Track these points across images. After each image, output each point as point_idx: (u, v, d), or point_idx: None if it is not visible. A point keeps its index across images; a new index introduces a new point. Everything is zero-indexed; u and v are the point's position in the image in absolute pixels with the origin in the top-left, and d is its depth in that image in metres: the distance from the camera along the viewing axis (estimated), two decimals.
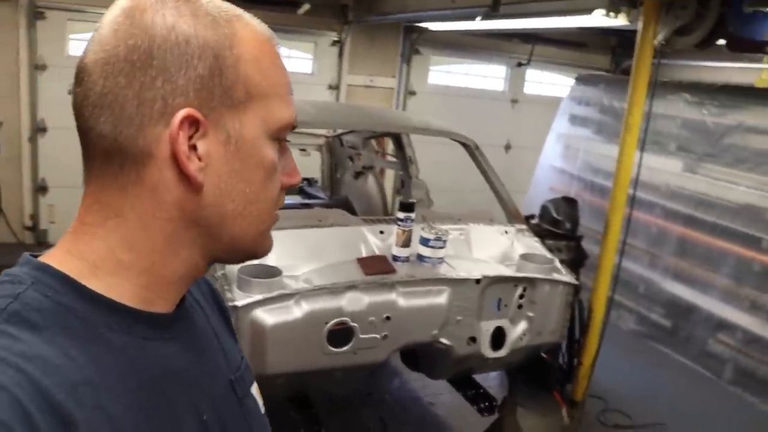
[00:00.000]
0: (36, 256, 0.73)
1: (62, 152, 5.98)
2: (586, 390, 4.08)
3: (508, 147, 7.96)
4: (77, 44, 6.04)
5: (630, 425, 3.99)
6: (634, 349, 5.17)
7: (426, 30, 6.84)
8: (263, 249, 0.81)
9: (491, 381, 4.14)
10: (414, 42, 7.25)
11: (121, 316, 0.71)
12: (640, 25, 3.72)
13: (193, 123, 0.69)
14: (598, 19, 3.95)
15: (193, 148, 0.69)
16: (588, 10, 3.98)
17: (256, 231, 0.77)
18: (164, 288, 0.75)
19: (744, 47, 3.74)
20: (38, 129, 6.02)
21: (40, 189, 6.17)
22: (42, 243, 6.19)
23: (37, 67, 5.88)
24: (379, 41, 7.08)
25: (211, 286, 0.99)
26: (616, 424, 4.01)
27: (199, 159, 0.70)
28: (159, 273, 0.73)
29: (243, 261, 0.83)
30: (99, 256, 0.71)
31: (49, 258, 0.72)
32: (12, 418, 0.55)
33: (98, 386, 0.64)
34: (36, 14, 5.76)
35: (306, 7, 5.44)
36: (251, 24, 0.75)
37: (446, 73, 7.78)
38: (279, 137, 0.76)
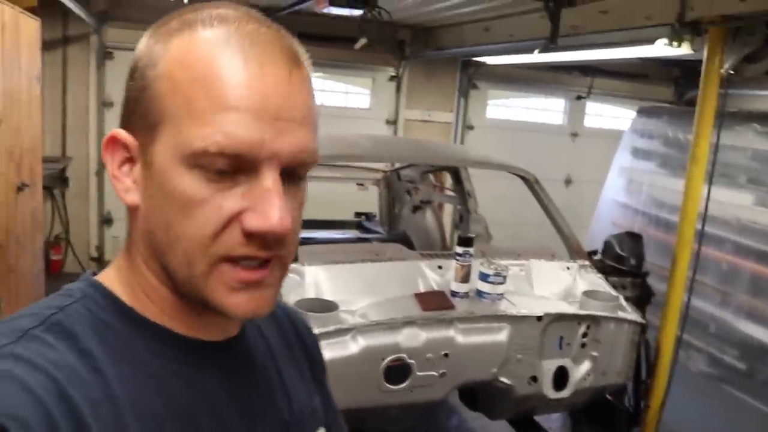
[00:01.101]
0: (96, 274, 0.75)
1: None
2: None
3: (568, 181, 7.82)
4: None
5: None
6: (706, 392, 4.92)
7: (483, 64, 6.83)
8: (218, 304, 0.66)
9: (552, 423, 3.99)
10: (471, 76, 7.24)
11: (159, 339, 0.71)
12: (705, 54, 3.60)
13: (123, 145, 0.69)
14: (661, 48, 3.85)
15: (131, 168, 0.69)
16: (650, 41, 3.89)
17: (188, 274, 0.66)
18: (187, 313, 0.72)
19: None
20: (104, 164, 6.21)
21: (106, 221, 6.37)
22: None
23: (105, 104, 6.13)
24: (437, 76, 7.10)
25: (298, 327, 0.95)
26: None
27: (134, 181, 0.69)
28: (166, 296, 0.72)
29: (205, 306, 0.68)
30: (131, 275, 0.73)
31: (102, 275, 0.75)
32: (33, 417, 0.56)
33: (122, 405, 0.63)
34: (105, 54, 6.00)
35: (363, 41, 5.48)
36: (198, 32, 0.66)
37: (504, 107, 7.72)
38: (204, 165, 0.63)
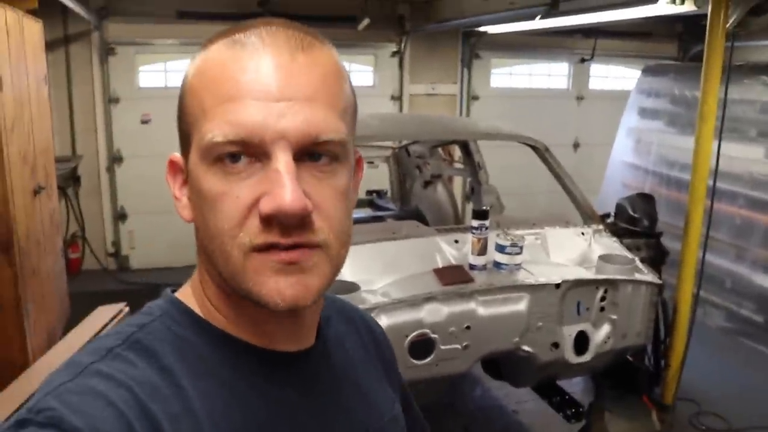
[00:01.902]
0: (175, 290, 0.79)
1: (138, 180, 6.25)
2: (676, 393, 3.92)
3: (576, 145, 7.80)
4: (146, 76, 6.28)
5: (727, 429, 3.82)
6: (725, 347, 4.96)
7: (485, 33, 6.79)
8: (257, 294, 0.67)
9: (575, 387, 4.04)
10: (473, 46, 7.20)
11: (236, 352, 0.73)
12: (709, 10, 3.57)
13: (179, 167, 0.75)
14: (664, 7, 3.83)
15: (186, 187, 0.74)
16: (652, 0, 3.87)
17: (227, 270, 0.68)
18: (252, 321, 0.74)
19: None
20: (115, 159, 6.28)
21: (120, 216, 6.43)
22: (124, 268, 6.45)
23: (111, 101, 6.15)
24: (439, 48, 7.07)
25: (375, 332, 0.97)
26: (711, 428, 3.84)
27: (190, 199, 0.73)
28: (229, 305, 0.74)
29: (255, 305, 0.68)
30: (201, 288, 0.76)
31: (180, 292, 0.78)
32: (117, 431, 0.59)
33: (201, 419, 0.66)
34: (108, 50, 6.01)
35: (366, 21, 5.47)
36: (213, 44, 0.69)
37: (508, 75, 7.69)
38: (220, 159, 0.65)
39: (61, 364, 0.67)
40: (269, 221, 0.64)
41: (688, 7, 3.72)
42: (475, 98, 7.42)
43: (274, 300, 0.66)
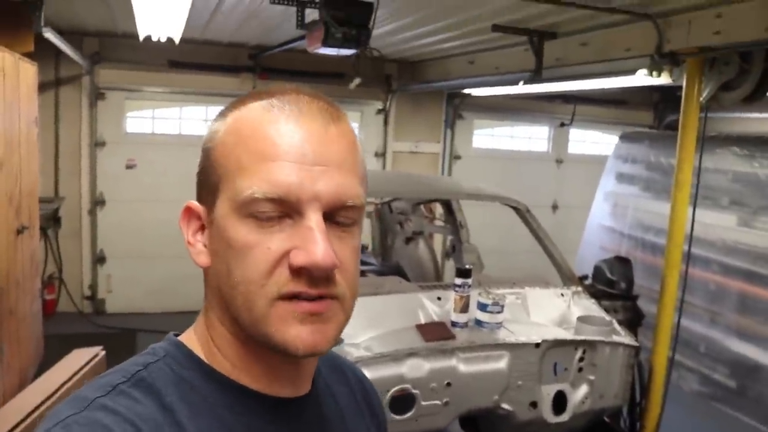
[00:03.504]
0: (178, 334, 0.82)
1: (119, 224, 6.25)
2: None
3: (555, 207, 7.95)
4: (133, 121, 6.34)
5: None
6: (699, 411, 5.00)
7: (469, 95, 6.98)
8: (279, 339, 0.71)
9: None
10: (457, 107, 7.39)
11: (237, 396, 0.76)
12: (684, 84, 3.74)
13: (195, 214, 0.78)
14: (641, 79, 3.99)
15: (202, 234, 0.77)
16: (630, 71, 4.03)
17: (249, 316, 0.71)
18: (258, 368, 0.77)
19: None
20: (97, 202, 6.28)
21: (99, 260, 6.39)
22: (100, 312, 6.38)
23: (97, 144, 6.20)
24: (423, 108, 7.24)
25: (364, 384, 1.00)
26: None
27: (205, 245, 0.77)
28: (238, 350, 0.77)
29: (271, 351, 0.73)
30: (206, 332, 0.80)
31: (184, 335, 0.81)
32: None
33: None
34: (97, 95, 6.09)
35: (357, 81, 5.61)
36: (248, 105, 0.75)
37: (490, 136, 7.87)
38: (254, 213, 0.70)
39: (67, 398, 0.70)
40: (299, 273, 0.69)
41: (664, 80, 3.87)
42: (458, 158, 7.56)
43: (295, 346, 0.70)
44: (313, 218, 0.69)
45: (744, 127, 6.64)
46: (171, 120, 6.47)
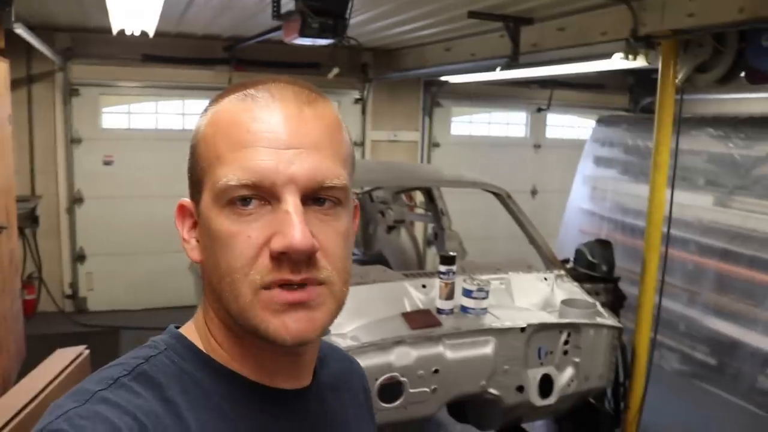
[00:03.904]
0: (178, 327, 0.83)
1: (98, 221, 6.18)
2: None
3: (534, 192, 8.00)
4: (109, 117, 6.27)
5: None
6: (681, 390, 5.08)
7: (446, 83, 6.98)
8: (264, 329, 0.70)
9: (537, 429, 4.09)
10: (434, 95, 7.39)
11: (237, 388, 0.76)
12: (659, 66, 3.78)
13: (188, 212, 0.79)
14: (617, 62, 4.02)
15: (195, 230, 0.78)
16: (606, 55, 4.06)
17: (236, 306, 0.71)
18: (254, 359, 0.77)
19: (765, 79, 3.79)
20: (75, 200, 6.20)
21: (79, 258, 6.32)
22: (82, 310, 6.32)
23: (73, 141, 6.11)
24: (400, 96, 7.23)
25: (362, 375, 1.02)
26: None
27: (197, 240, 0.78)
28: (233, 342, 0.77)
29: (262, 341, 0.73)
30: (204, 325, 0.80)
31: (184, 328, 0.82)
32: None
33: None
34: (71, 91, 6.00)
35: (335, 71, 5.59)
36: (225, 99, 0.76)
37: (468, 123, 7.88)
38: (232, 201, 0.70)
39: (68, 391, 0.71)
40: (279, 259, 0.69)
41: (640, 63, 3.91)
42: (436, 145, 7.57)
43: (282, 336, 0.70)
44: (290, 201, 0.69)
45: (717, 108, 6.72)
46: (147, 114, 6.39)
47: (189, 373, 0.75)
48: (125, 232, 6.28)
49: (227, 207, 0.71)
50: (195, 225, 0.78)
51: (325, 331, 0.75)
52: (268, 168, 0.69)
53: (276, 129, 0.70)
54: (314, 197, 0.72)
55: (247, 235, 0.70)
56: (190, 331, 0.81)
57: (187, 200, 0.79)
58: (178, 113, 6.48)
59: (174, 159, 6.23)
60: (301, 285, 0.70)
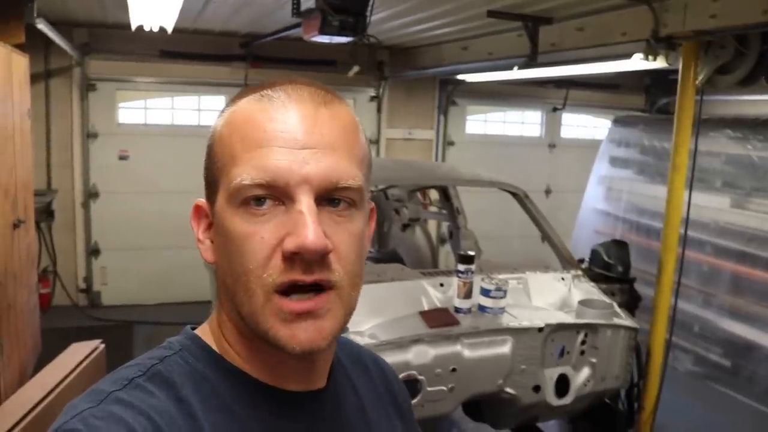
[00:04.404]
0: (194, 328, 0.83)
1: (113, 216, 6.22)
2: None
3: (548, 191, 7.97)
4: (125, 112, 6.30)
5: None
6: (694, 391, 5.06)
7: (462, 81, 6.97)
8: (273, 337, 0.70)
9: (550, 429, 4.09)
10: (450, 94, 7.38)
11: (249, 389, 0.76)
12: (680, 68, 3.76)
13: (203, 212, 0.79)
14: (637, 63, 4.00)
15: (210, 231, 0.78)
16: (627, 56, 4.04)
17: (249, 309, 0.71)
18: (267, 361, 0.77)
19: None
20: (90, 194, 6.24)
21: (93, 252, 6.36)
22: (95, 305, 6.36)
23: (89, 136, 6.15)
24: (416, 94, 7.22)
25: (388, 376, 0.99)
26: None
27: (212, 241, 0.77)
28: (246, 345, 0.77)
29: (268, 342, 0.72)
30: (218, 327, 0.80)
31: (200, 329, 0.82)
32: None
33: None
34: (88, 86, 6.03)
35: (356, 69, 5.58)
36: (242, 99, 0.75)
37: (483, 122, 7.87)
38: (246, 201, 0.70)
39: (84, 392, 0.71)
40: (292, 259, 0.68)
41: (660, 64, 3.89)
42: (451, 144, 7.57)
43: (290, 344, 0.70)
44: (304, 201, 0.69)
45: (736, 110, 6.67)
46: (163, 110, 6.42)
47: (202, 374, 0.75)
48: (140, 227, 6.32)
49: (241, 207, 0.70)
50: (210, 226, 0.78)
51: (335, 338, 0.75)
52: (282, 167, 0.69)
53: (291, 129, 0.70)
54: (329, 198, 0.71)
55: (261, 236, 0.69)
56: (204, 332, 0.81)
57: (202, 201, 0.79)
58: (194, 109, 6.50)
59: (189, 155, 6.34)
60: (313, 287, 0.70)
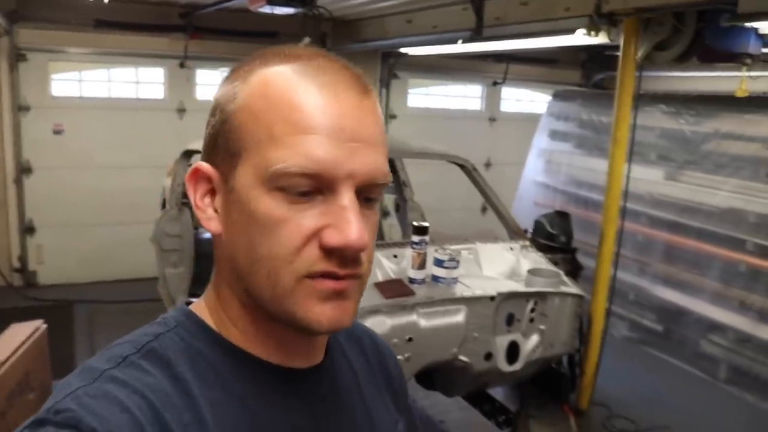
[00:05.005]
0: (189, 303, 0.80)
1: (48, 192, 6.01)
2: (591, 399, 4.19)
3: (488, 164, 8.10)
4: (59, 84, 6.06)
5: (635, 430, 4.09)
6: (630, 355, 5.30)
7: (404, 54, 6.97)
8: (303, 316, 0.70)
9: (497, 394, 4.22)
10: (392, 66, 7.38)
11: (248, 366, 0.75)
12: (621, 43, 3.87)
13: (204, 176, 0.74)
14: (580, 38, 4.10)
15: (212, 199, 0.74)
16: (570, 31, 4.13)
17: (272, 293, 0.70)
18: (269, 338, 0.75)
19: (718, 58, 3.92)
20: (23, 170, 6.00)
21: (28, 230, 6.13)
22: (31, 284, 6.16)
23: (21, 109, 5.88)
24: (358, 67, 7.17)
25: (383, 352, 0.98)
26: (621, 429, 4.10)
27: (216, 210, 0.74)
28: (249, 321, 0.75)
29: (290, 326, 0.72)
30: (217, 302, 0.78)
31: (195, 305, 0.80)
32: None
33: (210, 428, 0.68)
34: (18, 56, 5.76)
35: (306, 40, 5.50)
36: (274, 68, 0.71)
37: (425, 95, 7.92)
38: (285, 187, 0.68)
39: (76, 369, 0.69)
40: (330, 252, 0.68)
41: (602, 39, 3.99)
42: (393, 117, 7.59)
43: (320, 322, 0.69)
44: (347, 196, 0.68)
45: (668, 85, 6.91)
46: (99, 82, 6.20)
47: (199, 350, 0.73)
48: (77, 203, 6.12)
49: (277, 191, 0.68)
50: (211, 192, 0.75)
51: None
52: (330, 160, 0.67)
53: (340, 119, 0.68)
54: (361, 193, 0.70)
55: (298, 224, 0.68)
56: (200, 308, 0.79)
57: (205, 164, 0.74)
58: (132, 81, 6.30)
59: (127, 129, 6.20)
60: (344, 278, 0.70)
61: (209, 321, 0.77)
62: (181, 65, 6.23)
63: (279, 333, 0.74)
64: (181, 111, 6.40)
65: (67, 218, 6.16)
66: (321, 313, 0.69)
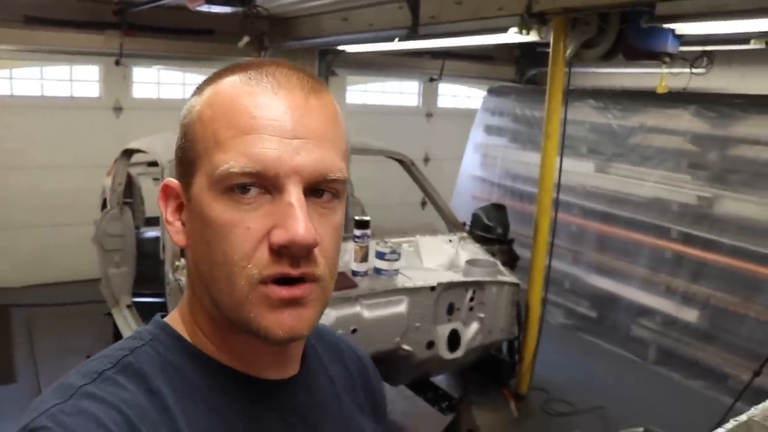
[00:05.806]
0: (164, 315, 0.81)
1: None
2: (530, 383, 4.36)
3: (426, 159, 8.25)
4: None
5: (572, 411, 4.28)
6: (566, 341, 5.51)
7: (342, 52, 7.03)
8: (257, 325, 0.69)
9: (440, 382, 4.34)
10: (330, 64, 7.42)
11: (223, 378, 0.75)
12: (551, 41, 4.04)
13: (174, 192, 0.76)
14: (512, 36, 4.24)
15: (180, 213, 0.75)
16: (502, 29, 4.27)
17: (230, 300, 0.69)
18: (241, 350, 0.75)
19: (640, 57, 4.13)
20: None
21: None
22: None
23: None
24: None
25: (363, 362, 0.98)
26: (559, 412, 4.28)
27: (183, 223, 0.75)
28: (219, 332, 0.75)
29: (250, 335, 0.71)
30: (190, 313, 0.79)
31: (169, 317, 0.80)
32: None
33: None
34: None
35: (246, 39, 5.50)
36: (225, 79, 0.72)
37: (363, 92, 8.00)
38: (231, 189, 0.67)
39: (51, 386, 0.69)
40: (279, 253, 0.67)
41: (533, 37, 4.14)
42: None
43: (275, 331, 0.68)
44: (293, 193, 0.67)
45: (595, 81, 7.18)
46: (32, 80, 6.04)
47: (174, 364, 0.73)
48: (10, 204, 5.95)
49: (225, 194, 0.68)
50: (180, 207, 0.75)
51: (315, 326, 0.74)
52: (272, 157, 0.66)
53: (282, 117, 0.68)
54: (313, 189, 0.70)
55: (246, 226, 0.67)
56: (175, 320, 0.79)
57: (173, 180, 0.76)
58: (66, 80, 6.17)
59: (62, 128, 6.06)
60: (299, 279, 0.69)
61: (183, 333, 0.77)
62: (117, 63, 6.12)
63: (247, 343, 0.74)
64: (118, 109, 6.29)
65: (1, 220, 5.99)
66: (275, 321, 0.68)
